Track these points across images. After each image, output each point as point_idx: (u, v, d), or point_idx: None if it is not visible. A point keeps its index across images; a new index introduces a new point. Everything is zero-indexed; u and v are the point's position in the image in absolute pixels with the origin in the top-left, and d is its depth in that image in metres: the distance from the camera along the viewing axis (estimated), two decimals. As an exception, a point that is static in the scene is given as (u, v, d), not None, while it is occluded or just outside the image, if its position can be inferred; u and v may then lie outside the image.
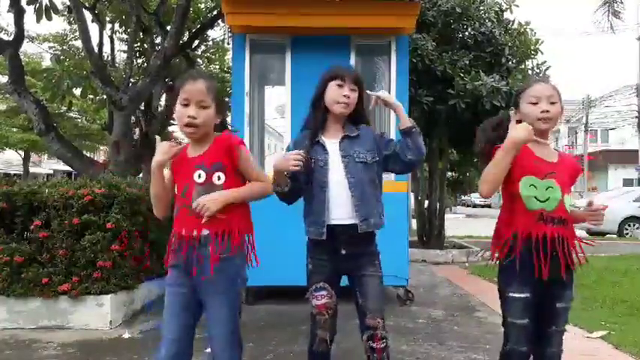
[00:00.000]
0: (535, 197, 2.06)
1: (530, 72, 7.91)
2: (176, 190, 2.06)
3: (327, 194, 2.21)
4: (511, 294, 2.11)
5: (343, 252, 2.21)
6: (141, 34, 9.31)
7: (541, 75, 7.80)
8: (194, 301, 2.03)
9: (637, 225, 14.22)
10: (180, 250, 2.01)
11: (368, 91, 2.30)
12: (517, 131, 2.00)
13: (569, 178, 2.15)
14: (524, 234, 2.05)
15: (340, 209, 2.20)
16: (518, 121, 2.14)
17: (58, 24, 20.35)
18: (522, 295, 2.09)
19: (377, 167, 2.28)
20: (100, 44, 9.32)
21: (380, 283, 2.24)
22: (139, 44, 10.45)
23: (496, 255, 2.16)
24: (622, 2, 10.73)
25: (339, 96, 2.23)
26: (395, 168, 2.32)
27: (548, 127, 2.12)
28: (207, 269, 1.96)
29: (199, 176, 2.00)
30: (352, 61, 4.84)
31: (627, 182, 27.93)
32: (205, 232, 1.98)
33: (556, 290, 2.11)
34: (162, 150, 1.99)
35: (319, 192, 2.22)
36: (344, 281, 2.30)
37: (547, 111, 2.08)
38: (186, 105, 1.97)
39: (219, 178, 2.00)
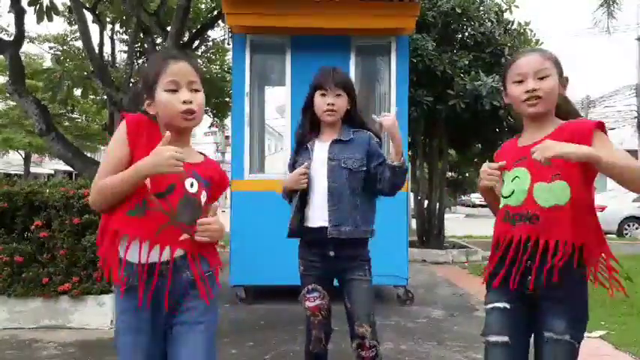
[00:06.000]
0: (501, 194, 1.73)
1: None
2: (149, 184, 1.57)
3: (313, 195, 2.23)
4: (487, 305, 1.72)
5: (332, 254, 2.21)
6: (141, 34, 9.31)
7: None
8: (158, 348, 1.61)
9: (637, 225, 14.21)
10: (140, 279, 1.54)
11: (374, 116, 2.25)
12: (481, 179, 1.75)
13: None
14: (494, 240, 1.73)
15: (317, 212, 2.22)
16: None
17: (59, 25, 20.38)
18: (499, 305, 1.67)
19: (364, 175, 2.24)
20: (101, 45, 9.33)
21: (368, 288, 2.23)
22: (139, 45, 10.46)
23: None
24: (617, 3, 10.72)
25: (323, 105, 2.23)
26: (369, 185, 2.26)
27: (538, 110, 1.65)
28: (186, 297, 1.60)
29: (192, 185, 1.63)
30: (352, 61, 4.85)
31: (627, 182, 27.90)
32: (180, 252, 1.58)
33: (541, 314, 1.62)
34: (174, 163, 1.51)
35: (302, 193, 2.25)
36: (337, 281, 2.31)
37: (533, 89, 1.63)
38: (174, 90, 1.59)
39: (203, 196, 1.66)
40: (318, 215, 2.21)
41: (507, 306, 1.65)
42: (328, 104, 2.22)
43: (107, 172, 1.57)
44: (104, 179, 1.56)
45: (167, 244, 1.56)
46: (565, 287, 1.58)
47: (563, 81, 1.70)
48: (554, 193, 1.58)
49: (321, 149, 2.27)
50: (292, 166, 2.34)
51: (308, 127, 2.33)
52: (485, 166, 1.73)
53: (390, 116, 2.19)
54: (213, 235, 1.59)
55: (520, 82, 1.66)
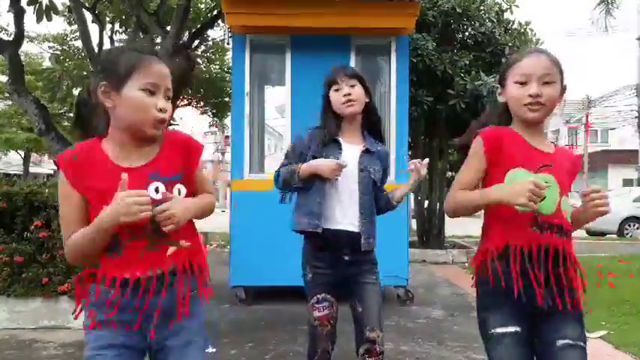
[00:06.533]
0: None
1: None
2: None
3: (335, 194, 2.16)
4: (496, 330, 1.52)
5: (346, 258, 2.17)
6: (141, 34, 9.30)
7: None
8: None
9: (637, 225, 14.23)
10: (126, 299, 1.40)
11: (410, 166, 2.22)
12: (513, 193, 1.45)
13: (568, 175, 1.62)
14: (515, 247, 1.51)
15: (346, 219, 2.16)
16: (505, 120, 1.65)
17: (58, 24, 20.36)
18: (511, 330, 1.50)
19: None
20: (100, 44, 9.32)
21: (380, 292, 2.22)
22: (138, 44, 10.45)
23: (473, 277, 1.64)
24: (615, 2, 10.72)
25: (340, 98, 2.19)
26: None
27: (538, 116, 1.58)
28: (174, 315, 1.44)
29: (157, 191, 1.42)
30: (352, 61, 4.85)
31: (627, 182, 27.92)
32: (171, 267, 1.44)
33: (552, 323, 1.52)
34: (138, 210, 1.32)
35: (327, 187, 2.15)
36: None
37: (537, 95, 1.55)
38: (152, 92, 1.40)
39: (179, 191, 1.47)
40: (341, 219, 2.16)
41: (519, 329, 1.50)
42: (345, 95, 2.18)
43: (69, 227, 1.42)
44: (72, 238, 1.41)
45: (157, 266, 1.41)
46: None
47: (562, 90, 1.62)
48: (568, 209, 1.59)
49: (351, 151, 2.21)
50: (319, 155, 2.17)
51: (334, 127, 2.22)
52: (532, 184, 1.41)
53: (425, 167, 2.21)
54: (175, 220, 1.38)
55: (523, 83, 1.57)
